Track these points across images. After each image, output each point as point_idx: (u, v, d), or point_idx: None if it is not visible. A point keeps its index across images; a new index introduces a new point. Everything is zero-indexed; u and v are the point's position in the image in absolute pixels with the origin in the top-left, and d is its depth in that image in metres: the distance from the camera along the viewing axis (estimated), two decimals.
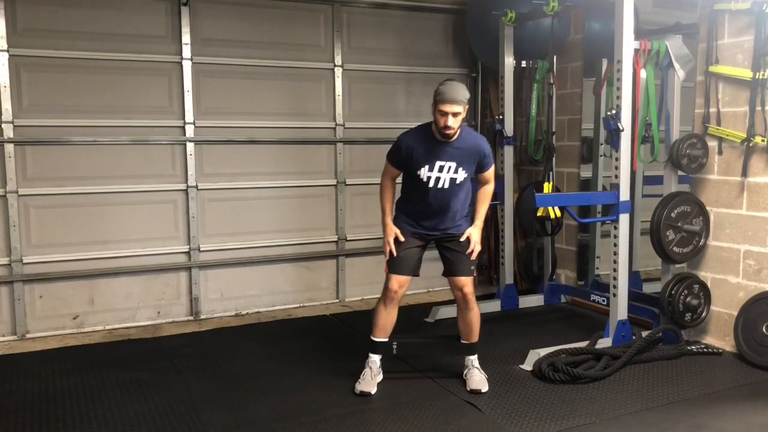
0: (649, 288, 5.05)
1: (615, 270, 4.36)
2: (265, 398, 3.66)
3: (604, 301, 4.89)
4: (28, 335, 4.78)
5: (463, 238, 3.71)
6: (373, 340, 3.79)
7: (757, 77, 4.08)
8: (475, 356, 3.87)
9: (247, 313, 5.39)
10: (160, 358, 4.31)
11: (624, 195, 4.29)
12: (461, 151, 3.58)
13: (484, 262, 6.33)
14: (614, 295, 4.38)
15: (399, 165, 3.68)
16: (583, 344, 4.21)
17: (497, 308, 5.36)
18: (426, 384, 3.86)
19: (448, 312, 5.20)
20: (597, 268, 5.41)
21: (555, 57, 5.23)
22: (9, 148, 4.62)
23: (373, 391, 3.67)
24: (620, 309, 4.37)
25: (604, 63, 4.90)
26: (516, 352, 4.29)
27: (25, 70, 4.65)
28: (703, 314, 4.42)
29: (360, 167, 5.67)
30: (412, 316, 5.21)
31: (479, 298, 5.64)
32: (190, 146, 5.12)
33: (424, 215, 3.69)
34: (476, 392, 3.67)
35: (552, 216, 4.77)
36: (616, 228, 4.32)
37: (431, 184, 3.59)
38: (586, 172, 5.51)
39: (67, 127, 4.77)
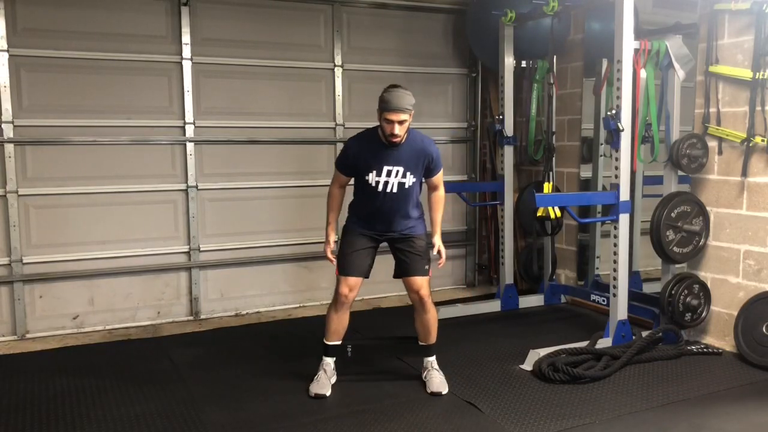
0: (649, 288, 5.05)
1: (615, 270, 4.35)
2: (265, 398, 3.66)
3: (604, 301, 4.89)
4: (28, 335, 4.78)
5: (435, 251, 3.72)
6: (326, 343, 3.77)
7: (757, 77, 4.08)
8: (434, 357, 3.85)
9: (247, 313, 5.39)
10: (160, 358, 4.31)
11: (624, 195, 4.29)
12: (409, 155, 3.56)
13: (484, 262, 6.33)
14: (614, 295, 4.38)
15: (347, 171, 3.67)
16: (583, 344, 4.21)
17: (497, 308, 5.36)
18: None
19: (449, 312, 5.21)
20: (597, 268, 5.41)
21: (555, 57, 5.23)
22: (9, 148, 4.62)
23: (328, 393, 3.65)
24: (620, 309, 4.37)
25: (604, 63, 4.90)
26: (516, 352, 4.29)
27: (25, 70, 4.65)
28: (703, 314, 4.42)
29: None
30: (412, 316, 5.22)
31: (480, 298, 5.71)
32: (190, 146, 5.12)
33: (375, 218, 3.67)
34: (437, 394, 3.66)
35: (552, 216, 4.77)
36: (616, 228, 4.32)
37: (380, 188, 3.57)
38: (586, 172, 5.51)
39: (67, 127, 4.78)
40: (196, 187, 5.17)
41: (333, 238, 3.75)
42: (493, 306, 5.38)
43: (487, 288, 6.18)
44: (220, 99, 5.21)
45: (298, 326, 5.12)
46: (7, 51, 4.56)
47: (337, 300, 3.69)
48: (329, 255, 3.73)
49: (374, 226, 3.69)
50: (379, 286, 5.87)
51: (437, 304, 5.34)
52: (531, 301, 5.56)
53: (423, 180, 3.72)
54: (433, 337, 3.81)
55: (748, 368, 4.04)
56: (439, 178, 3.76)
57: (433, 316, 3.76)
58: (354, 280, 3.66)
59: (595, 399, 3.61)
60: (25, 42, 4.62)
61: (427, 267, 3.72)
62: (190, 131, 5.11)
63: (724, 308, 4.40)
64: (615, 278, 4.36)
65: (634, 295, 4.66)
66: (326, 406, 3.54)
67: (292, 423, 3.35)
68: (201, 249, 5.24)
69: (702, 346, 4.35)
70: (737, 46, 4.21)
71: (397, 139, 3.46)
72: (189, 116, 5.09)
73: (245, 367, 4.12)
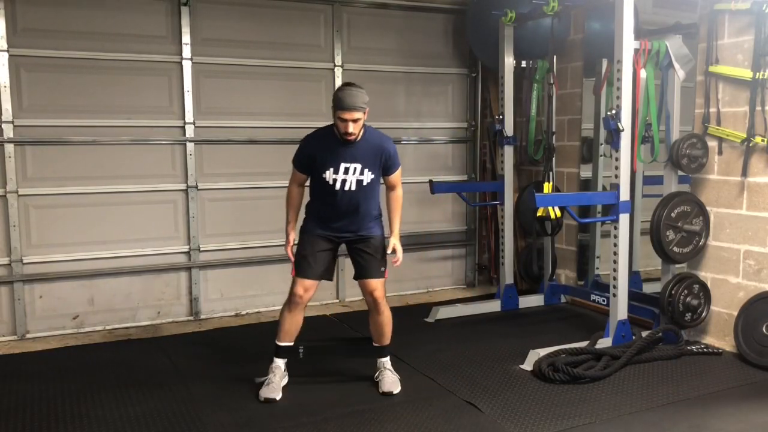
0: (649, 288, 5.05)
1: (615, 270, 4.35)
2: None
3: (604, 301, 4.89)
4: (28, 335, 4.78)
5: (389, 250, 3.68)
6: (278, 344, 3.75)
7: (757, 77, 4.08)
8: (388, 358, 3.84)
9: (247, 313, 5.39)
10: (160, 358, 4.31)
11: (624, 195, 4.29)
12: (365, 152, 3.56)
13: (484, 262, 6.33)
14: (614, 295, 4.38)
15: (304, 169, 3.67)
16: (583, 344, 4.21)
17: (497, 308, 5.36)
18: (426, 384, 3.86)
19: (449, 312, 5.21)
20: (597, 268, 5.41)
21: (555, 57, 5.23)
22: (9, 148, 4.62)
23: (278, 397, 3.62)
24: (620, 309, 4.37)
25: (604, 63, 4.90)
26: (516, 352, 4.29)
27: (25, 70, 4.65)
28: (703, 314, 4.42)
29: None
30: (412, 316, 5.22)
31: (480, 298, 5.70)
32: (190, 146, 5.12)
33: (333, 218, 3.65)
34: (388, 394, 3.65)
35: (552, 216, 4.77)
36: (616, 228, 4.32)
37: (338, 186, 3.55)
38: (586, 172, 5.51)
39: (67, 127, 4.77)
40: (196, 187, 5.17)
41: (293, 236, 3.73)
42: (493, 306, 5.38)
43: (487, 288, 6.17)
44: (220, 99, 5.21)
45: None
46: (7, 51, 4.56)
47: (291, 300, 3.68)
48: (290, 254, 3.72)
49: (331, 226, 3.66)
50: None
51: (437, 304, 5.39)
52: (531, 301, 5.56)
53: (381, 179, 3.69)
54: (387, 338, 3.80)
55: (748, 368, 4.04)
56: (397, 177, 3.72)
57: (387, 318, 3.75)
58: (310, 282, 3.65)
59: (595, 399, 3.61)
60: (25, 42, 4.62)
61: (383, 269, 3.71)
62: (190, 131, 5.11)
63: (724, 308, 4.40)
64: (615, 278, 4.36)
65: (634, 295, 4.65)
66: (326, 406, 3.54)
67: (292, 423, 3.35)
68: (201, 249, 5.24)
69: (702, 346, 4.35)
70: (737, 46, 4.21)
71: (352, 137, 3.47)
72: (189, 116, 5.09)
73: (245, 367, 4.12)
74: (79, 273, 4.89)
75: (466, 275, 6.35)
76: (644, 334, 4.35)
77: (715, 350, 4.30)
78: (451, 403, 3.59)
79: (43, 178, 4.76)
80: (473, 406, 3.52)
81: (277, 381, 3.68)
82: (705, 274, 4.50)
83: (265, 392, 3.61)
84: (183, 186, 5.14)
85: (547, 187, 4.95)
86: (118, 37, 4.86)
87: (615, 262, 4.35)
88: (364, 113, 3.45)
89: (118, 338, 4.79)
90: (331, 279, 3.81)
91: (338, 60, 5.56)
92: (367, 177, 3.58)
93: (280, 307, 5.45)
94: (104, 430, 3.29)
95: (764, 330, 4.04)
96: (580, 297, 5.42)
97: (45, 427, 3.32)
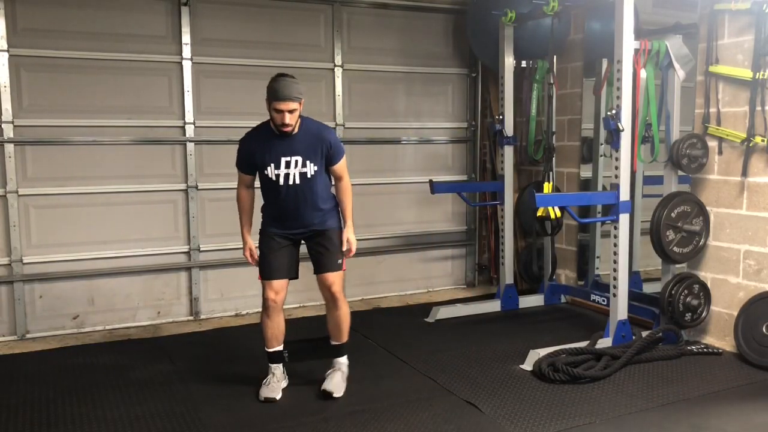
0: (649, 288, 5.05)
1: (615, 270, 4.35)
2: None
3: (604, 301, 4.89)
4: (28, 335, 4.78)
5: (344, 247, 3.63)
6: (267, 351, 3.72)
7: (757, 77, 4.08)
8: (345, 358, 3.78)
9: (247, 313, 5.39)
10: (160, 358, 4.31)
11: (624, 195, 4.29)
12: (304, 144, 3.49)
13: (485, 262, 6.33)
14: (614, 295, 4.38)
15: (247, 169, 3.61)
16: (583, 344, 4.21)
17: (497, 308, 5.36)
18: (426, 384, 3.86)
19: (448, 312, 5.21)
20: (597, 268, 5.41)
21: (555, 57, 5.23)
22: (9, 148, 4.62)
23: (278, 396, 3.62)
24: (620, 309, 4.37)
25: (604, 63, 4.90)
26: (516, 352, 4.29)
27: (25, 70, 4.65)
28: (703, 314, 4.42)
29: (360, 167, 5.66)
30: (412, 316, 5.23)
31: (480, 298, 5.70)
32: (190, 146, 5.12)
33: (284, 215, 3.59)
34: (328, 394, 3.59)
35: (552, 216, 4.77)
36: (616, 228, 4.32)
37: (281, 181, 3.50)
38: (586, 172, 5.51)
39: (67, 127, 4.78)
40: (196, 187, 5.17)
41: (249, 240, 3.68)
42: (493, 306, 5.38)
43: (487, 288, 6.17)
44: (220, 99, 5.21)
45: (297, 326, 5.11)
46: (7, 51, 4.56)
47: (266, 306, 3.63)
48: (249, 258, 3.68)
49: (285, 224, 3.61)
50: (378, 286, 5.88)
51: (437, 304, 5.39)
52: (531, 301, 5.56)
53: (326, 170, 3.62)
54: (344, 336, 3.74)
55: (748, 368, 4.04)
56: (342, 166, 3.63)
57: (344, 313, 3.70)
58: (278, 283, 3.61)
59: (595, 399, 3.61)
60: (25, 42, 4.62)
61: (339, 261, 3.66)
62: (190, 131, 5.11)
63: (724, 308, 4.40)
64: (615, 278, 4.36)
65: (634, 295, 4.65)
66: (326, 406, 3.54)
67: (292, 423, 3.35)
68: (201, 249, 5.24)
69: (702, 346, 4.35)
70: (737, 46, 4.21)
71: (288, 129, 3.42)
72: (189, 116, 5.09)
73: (245, 367, 4.12)
74: (79, 273, 4.89)
75: (466, 275, 6.35)
76: (644, 334, 4.34)
77: (715, 350, 4.30)
78: (451, 403, 3.59)
79: (43, 178, 4.76)
80: (473, 406, 3.52)
81: (275, 381, 3.68)
82: (705, 274, 4.50)
83: (265, 392, 3.62)
84: (183, 186, 5.14)
85: (547, 187, 4.95)
86: (118, 37, 4.86)
87: (615, 262, 4.35)
88: (300, 104, 3.40)
89: (118, 338, 4.79)
90: (296, 277, 3.72)
91: (338, 60, 5.56)
92: (311, 169, 3.51)
93: None
94: (104, 430, 3.29)
95: (764, 330, 4.04)
96: (580, 297, 5.42)
97: (45, 427, 3.32)
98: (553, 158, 5.31)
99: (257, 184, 3.66)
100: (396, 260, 5.98)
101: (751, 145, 4.15)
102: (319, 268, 3.66)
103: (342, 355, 3.79)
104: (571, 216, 4.64)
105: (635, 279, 5.06)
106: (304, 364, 4.17)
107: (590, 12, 5.37)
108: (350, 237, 3.67)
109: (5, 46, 4.55)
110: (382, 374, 3.91)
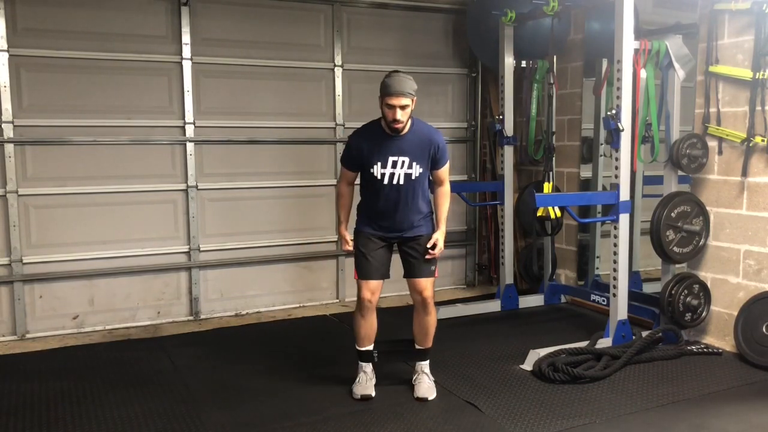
0: (649, 288, 5.05)
1: (615, 270, 4.35)
2: (265, 398, 3.66)
3: (604, 301, 4.89)
4: (28, 335, 4.78)
5: (430, 244, 3.57)
6: (359, 349, 3.72)
7: (757, 77, 4.08)
8: (427, 362, 3.76)
9: (247, 313, 5.39)
10: (160, 358, 4.31)
11: (624, 195, 4.29)
12: (413, 145, 3.47)
13: (484, 262, 6.33)
14: (614, 295, 4.38)
15: (353, 166, 3.60)
16: (583, 344, 4.21)
17: (497, 308, 5.36)
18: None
19: (449, 312, 5.21)
20: (597, 268, 5.41)
21: (555, 57, 5.23)
22: (9, 148, 4.62)
23: (373, 393, 3.64)
24: (620, 309, 4.37)
25: (604, 63, 4.90)
26: (516, 352, 4.29)
27: (25, 70, 4.65)
28: (703, 314, 4.42)
29: None
30: (412, 316, 5.22)
31: (480, 298, 5.71)
32: (190, 146, 5.12)
33: (383, 215, 3.58)
34: (422, 400, 3.60)
35: (552, 216, 4.78)
36: (616, 228, 4.32)
37: (386, 181, 3.48)
38: (586, 172, 5.51)
39: (67, 127, 4.78)
40: (196, 187, 5.17)
41: (347, 236, 3.68)
42: (493, 306, 5.38)
43: (487, 288, 6.17)
44: (220, 99, 5.21)
45: (298, 326, 5.12)
46: (7, 51, 4.56)
47: (361, 306, 3.62)
48: (350, 247, 3.66)
49: (382, 224, 3.60)
50: None
51: (437, 304, 5.35)
52: (531, 301, 5.56)
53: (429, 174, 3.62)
54: (429, 341, 3.74)
55: (748, 368, 4.04)
56: (445, 171, 3.63)
57: (433, 319, 3.70)
58: (375, 284, 3.60)
59: (595, 399, 3.61)
60: (25, 42, 4.62)
61: (433, 268, 3.64)
62: (190, 131, 5.11)
63: (724, 308, 4.40)
64: (615, 278, 4.36)
65: (634, 295, 4.66)
66: (326, 406, 3.54)
67: (292, 423, 3.35)
68: (201, 249, 5.24)
69: (702, 346, 4.36)
70: (737, 46, 4.21)
71: (400, 125, 3.39)
72: (189, 116, 5.09)
73: (245, 367, 4.12)
74: (79, 273, 4.89)
75: (466, 275, 6.35)
76: (644, 334, 4.35)
77: (715, 350, 4.30)
78: (451, 403, 3.59)
79: (43, 178, 4.76)
80: (473, 406, 3.52)
81: (368, 379, 3.69)
82: (705, 274, 4.50)
83: (360, 390, 3.63)
84: (183, 186, 5.14)
85: (547, 187, 4.95)
86: (118, 37, 4.86)
87: (615, 262, 4.35)
88: (412, 100, 3.37)
89: (118, 338, 4.79)
90: (388, 277, 3.72)
91: (338, 60, 5.56)
92: (416, 170, 3.50)
93: (280, 307, 5.54)
94: (104, 430, 3.29)
95: (764, 330, 4.04)
96: (580, 297, 5.42)
97: (45, 427, 3.32)
98: (553, 158, 5.32)
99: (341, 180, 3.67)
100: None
101: (751, 145, 4.15)
102: (412, 273, 3.64)
103: (425, 359, 3.76)
104: (571, 216, 4.64)
105: (635, 279, 5.07)
106: (304, 365, 4.18)
107: (590, 12, 5.37)
108: (440, 242, 3.60)
109: (5, 46, 4.55)
110: (382, 375, 3.90)
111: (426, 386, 3.67)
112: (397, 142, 3.46)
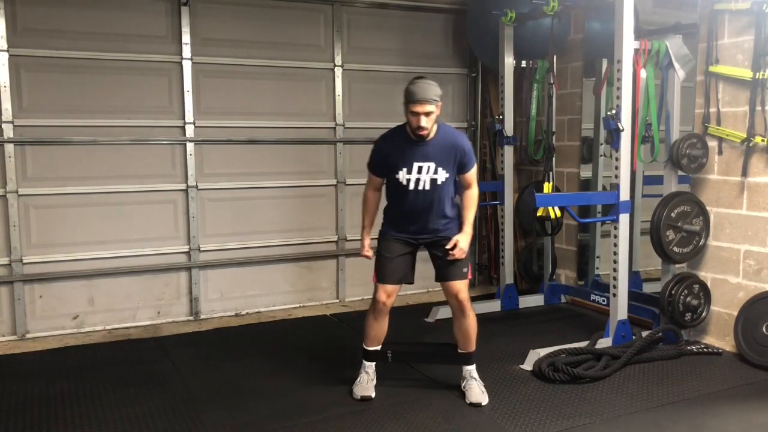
0: (649, 288, 5.05)
1: (615, 270, 4.35)
2: (265, 398, 3.66)
3: (604, 301, 4.89)
4: (28, 335, 4.78)
5: (450, 245, 3.51)
6: (366, 348, 3.72)
7: (757, 77, 4.08)
8: (473, 366, 3.70)
9: (247, 313, 5.39)
10: (160, 358, 4.31)
11: (624, 195, 4.29)
12: (439, 150, 3.45)
13: (484, 262, 6.33)
14: (614, 295, 4.38)
15: (379, 172, 3.60)
16: (583, 344, 4.21)
17: (497, 308, 5.36)
18: (426, 384, 3.85)
19: (449, 312, 5.17)
20: (597, 268, 5.41)
21: (555, 57, 5.23)
22: (9, 148, 4.62)
23: (373, 395, 3.64)
24: (620, 309, 4.37)
25: (604, 63, 4.90)
26: (516, 352, 4.29)
27: (25, 70, 4.65)
28: (703, 314, 4.42)
29: (360, 167, 5.61)
30: (412, 316, 5.22)
31: (480, 298, 5.70)
32: (190, 146, 5.12)
33: (409, 220, 3.56)
34: (476, 405, 3.54)
35: (552, 216, 4.77)
36: (616, 228, 4.32)
37: (411, 186, 3.46)
38: (586, 172, 5.51)
39: (67, 127, 4.77)
40: (196, 187, 5.17)
41: (368, 242, 3.67)
42: (493, 306, 5.38)
43: (487, 288, 6.17)
44: (220, 99, 5.21)
45: (298, 326, 5.12)
46: (7, 51, 4.56)
47: (375, 307, 3.61)
48: (366, 254, 3.66)
49: (409, 228, 3.57)
50: None
51: (437, 303, 5.38)
52: (531, 301, 5.56)
53: (456, 177, 3.59)
54: (472, 344, 3.66)
55: (748, 368, 4.04)
56: (472, 175, 3.59)
57: (472, 321, 3.63)
58: (391, 287, 3.59)
59: (595, 399, 3.61)
60: (25, 42, 4.62)
61: (465, 270, 3.59)
62: (190, 131, 5.11)
63: (724, 308, 4.40)
64: (615, 278, 4.36)
65: (634, 295, 4.65)
66: (326, 406, 3.54)
67: (292, 423, 3.35)
68: (201, 249, 5.24)
69: (702, 346, 4.36)
70: (737, 46, 4.21)
71: (425, 132, 3.36)
72: (189, 116, 5.09)
73: (245, 367, 4.12)
74: (79, 273, 4.89)
75: None
76: (644, 334, 4.35)
77: (715, 350, 4.30)
78: (451, 403, 3.59)
79: (43, 178, 4.76)
80: (473, 406, 3.52)
81: (369, 380, 3.68)
82: (705, 274, 4.50)
83: (360, 391, 3.63)
84: (183, 186, 5.14)
85: (547, 187, 4.95)
86: (118, 37, 4.86)
87: (615, 262, 4.35)
88: (437, 107, 3.36)
89: (118, 338, 4.79)
90: (412, 282, 3.71)
91: (338, 60, 5.56)
92: (442, 176, 3.47)
93: (280, 307, 5.54)
94: (104, 430, 3.29)
95: (764, 330, 4.04)
96: (580, 297, 5.42)
97: (45, 427, 3.32)
98: (553, 158, 5.32)
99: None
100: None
101: (751, 145, 4.15)
102: (445, 277, 3.61)
103: (471, 363, 3.70)
104: (571, 216, 4.64)
105: (635, 279, 5.06)
106: (304, 365, 4.18)
107: (590, 12, 5.37)
108: (461, 243, 3.55)
109: (5, 46, 4.55)
110: (382, 374, 3.90)
111: (478, 391, 3.60)
112: (423, 147, 3.44)
